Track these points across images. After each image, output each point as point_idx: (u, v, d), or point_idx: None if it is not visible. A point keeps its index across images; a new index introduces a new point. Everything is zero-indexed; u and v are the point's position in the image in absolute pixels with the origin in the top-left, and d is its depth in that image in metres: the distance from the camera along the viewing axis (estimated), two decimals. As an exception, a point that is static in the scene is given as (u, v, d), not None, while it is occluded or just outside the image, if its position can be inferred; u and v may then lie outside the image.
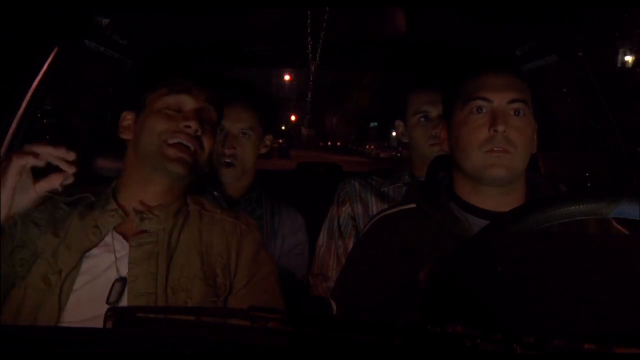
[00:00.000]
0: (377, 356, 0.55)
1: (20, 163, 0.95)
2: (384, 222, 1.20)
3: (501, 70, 1.11)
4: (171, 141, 1.09)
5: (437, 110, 1.62)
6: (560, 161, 1.92)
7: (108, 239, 1.07)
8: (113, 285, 1.03)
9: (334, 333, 0.58)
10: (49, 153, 0.97)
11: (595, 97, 1.63)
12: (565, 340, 0.50)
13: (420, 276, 0.74)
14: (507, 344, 0.51)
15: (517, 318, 0.57)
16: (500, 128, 1.05)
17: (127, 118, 1.17)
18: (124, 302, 1.02)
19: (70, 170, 0.99)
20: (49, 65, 1.47)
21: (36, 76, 1.46)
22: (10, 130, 1.41)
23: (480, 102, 1.08)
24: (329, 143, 45.87)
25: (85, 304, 1.01)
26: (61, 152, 0.97)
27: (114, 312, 0.67)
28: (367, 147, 34.27)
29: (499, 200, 1.10)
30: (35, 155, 0.96)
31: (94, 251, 1.05)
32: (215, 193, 1.60)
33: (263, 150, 1.66)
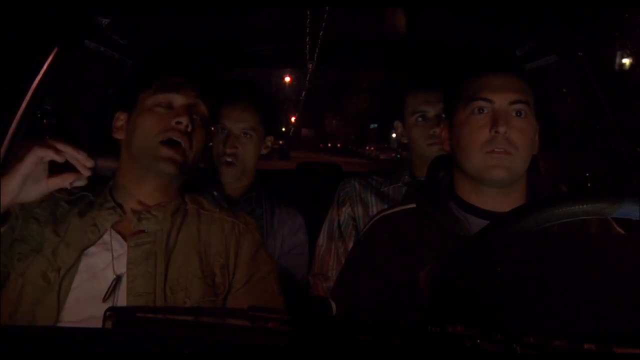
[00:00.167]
0: (377, 356, 0.55)
1: (40, 154, 0.95)
2: (384, 222, 1.20)
3: (503, 71, 1.10)
4: (162, 138, 1.09)
5: (434, 110, 1.62)
6: (560, 161, 1.92)
7: (106, 237, 1.07)
8: (111, 284, 1.03)
9: (334, 333, 0.58)
10: (71, 154, 0.97)
11: (595, 97, 1.63)
12: (565, 340, 0.50)
13: (420, 276, 0.74)
14: (507, 344, 0.51)
15: (517, 318, 0.57)
16: (502, 129, 1.05)
17: (120, 118, 1.17)
18: (121, 302, 1.02)
19: (86, 174, 0.99)
20: (49, 65, 1.47)
21: (36, 76, 1.45)
22: (10, 130, 1.41)
23: (481, 103, 1.08)
24: (329, 144, 45.89)
25: (84, 302, 1.01)
26: (82, 156, 0.98)
27: (113, 312, 0.67)
28: (367, 148, 34.30)
29: (500, 200, 1.10)
30: (57, 151, 0.96)
31: (92, 249, 1.06)
32: (215, 193, 1.60)
33: (264, 151, 1.66)
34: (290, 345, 0.59)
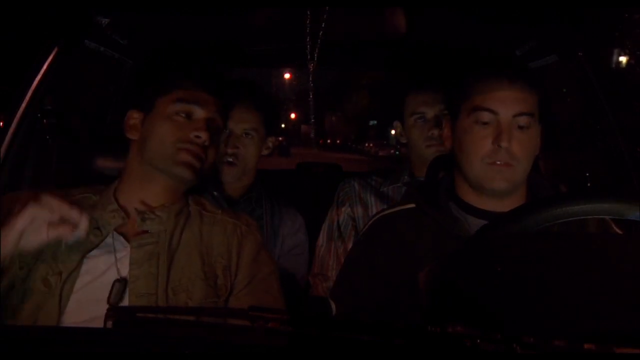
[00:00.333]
0: (377, 356, 0.55)
1: (33, 213, 0.91)
2: (383, 222, 1.20)
3: (510, 80, 1.07)
4: (181, 146, 1.10)
5: (433, 111, 1.62)
6: (560, 161, 1.92)
7: (109, 239, 1.07)
8: (113, 285, 1.02)
9: (334, 333, 0.58)
10: (65, 212, 0.93)
11: (595, 97, 1.63)
12: (565, 340, 0.50)
13: (420, 276, 0.74)
14: (507, 344, 0.51)
15: (517, 318, 0.57)
16: (504, 144, 1.04)
17: (134, 117, 1.17)
18: (125, 303, 1.02)
19: (82, 233, 0.96)
20: (49, 65, 1.47)
21: (36, 76, 1.45)
22: (10, 130, 1.41)
23: (486, 115, 1.07)
24: (329, 141, 45.96)
25: (86, 305, 1.01)
26: (76, 214, 0.94)
27: (114, 312, 0.68)
28: (367, 145, 34.38)
29: (499, 201, 1.10)
30: (51, 209, 0.92)
31: (95, 252, 1.05)
32: (215, 193, 1.60)
33: (265, 152, 1.66)
34: (290, 345, 0.60)
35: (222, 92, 1.20)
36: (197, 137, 1.11)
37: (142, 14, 1.68)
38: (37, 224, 0.92)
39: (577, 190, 1.59)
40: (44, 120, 1.52)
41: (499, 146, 1.05)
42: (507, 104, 1.06)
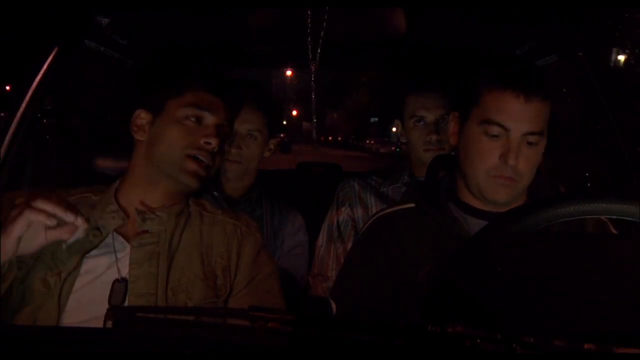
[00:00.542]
0: (377, 356, 0.55)
1: (30, 217, 0.91)
2: (383, 221, 1.20)
3: (528, 95, 1.02)
4: (189, 153, 1.10)
5: (433, 116, 1.62)
6: (560, 161, 1.92)
7: (108, 239, 1.07)
8: (114, 286, 1.02)
9: (334, 333, 0.58)
10: (61, 215, 0.92)
11: (595, 97, 1.63)
12: (565, 340, 0.50)
13: (420, 276, 0.74)
14: (507, 344, 0.51)
15: (517, 318, 0.57)
16: (511, 162, 1.03)
17: (142, 117, 1.15)
18: (125, 303, 1.02)
19: (80, 233, 0.96)
20: (49, 65, 1.47)
21: (36, 76, 1.45)
22: (10, 130, 1.41)
23: (496, 129, 1.04)
24: (330, 138, 46.00)
25: (85, 306, 1.01)
26: (71, 216, 0.93)
27: (114, 311, 0.67)
28: (368, 142, 34.44)
29: (499, 205, 1.10)
30: (47, 214, 0.91)
31: (94, 252, 1.05)
32: (216, 193, 1.60)
33: (267, 154, 1.66)
34: (290, 345, 0.60)
35: (231, 97, 1.20)
36: (208, 143, 1.10)
37: (142, 14, 1.68)
38: (35, 228, 0.92)
39: (577, 190, 1.59)
40: (44, 120, 1.52)
41: (505, 163, 1.03)
42: (519, 122, 1.03)
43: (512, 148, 1.03)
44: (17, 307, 0.99)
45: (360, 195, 1.75)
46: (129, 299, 1.02)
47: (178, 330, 0.64)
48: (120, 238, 1.08)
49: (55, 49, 1.48)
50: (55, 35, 1.48)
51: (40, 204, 0.91)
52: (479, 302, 0.61)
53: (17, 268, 1.01)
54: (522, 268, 0.64)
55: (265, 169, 2.03)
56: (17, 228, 0.90)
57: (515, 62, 1.14)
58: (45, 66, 1.46)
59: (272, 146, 1.67)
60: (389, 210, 1.21)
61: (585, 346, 0.50)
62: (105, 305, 0.97)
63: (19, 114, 1.42)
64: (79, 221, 0.93)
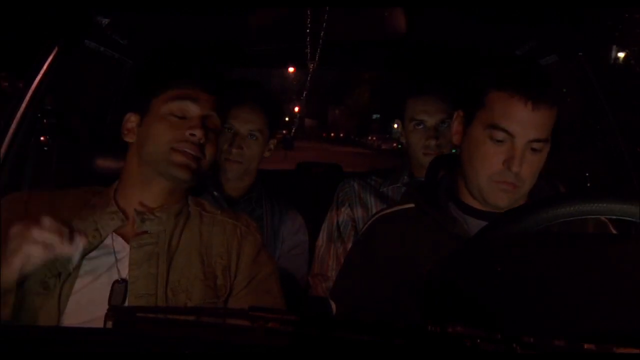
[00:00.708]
0: (377, 356, 0.55)
1: (28, 252, 0.91)
2: (383, 221, 1.19)
3: (536, 103, 1.01)
4: (175, 147, 1.09)
5: (433, 120, 1.63)
6: (560, 161, 1.92)
7: (108, 240, 1.07)
8: (113, 287, 1.02)
9: (334, 333, 0.58)
10: (58, 245, 0.93)
11: (595, 97, 1.63)
12: (565, 340, 0.50)
13: (420, 276, 0.74)
14: (507, 344, 0.51)
15: (517, 318, 0.57)
16: (515, 169, 1.02)
17: (131, 120, 1.16)
18: (125, 304, 1.02)
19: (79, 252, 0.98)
20: (49, 65, 1.47)
21: (36, 76, 1.45)
22: (10, 130, 1.41)
23: (502, 134, 1.03)
24: (332, 134, 46.00)
25: (85, 307, 1.01)
26: (67, 246, 0.94)
27: (114, 312, 0.67)
28: (369, 138, 34.44)
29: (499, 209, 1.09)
30: (45, 246, 0.92)
31: (94, 253, 1.05)
32: (215, 193, 1.60)
33: (267, 154, 1.67)
34: (290, 345, 0.60)
35: (218, 89, 1.18)
36: (192, 135, 1.09)
37: (142, 14, 1.68)
38: (35, 257, 0.92)
39: (577, 190, 1.59)
40: (44, 120, 1.52)
41: (508, 169, 1.03)
42: (526, 129, 1.02)
43: (516, 155, 1.02)
44: (16, 309, 0.99)
45: (360, 195, 1.75)
46: (129, 300, 1.02)
47: (178, 330, 0.64)
48: (120, 239, 1.07)
49: (55, 49, 1.48)
50: (55, 35, 1.48)
51: (39, 236, 0.91)
52: (479, 302, 0.61)
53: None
54: (522, 268, 0.64)
55: (265, 168, 2.03)
56: (17, 261, 0.91)
57: (523, 65, 1.11)
58: (45, 66, 1.46)
59: (272, 146, 1.67)
60: (389, 210, 1.21)
61: (585, 346, 0.50)
62: (105, 306, 0.97)
63: (19, 114, 1.42)
64: (79, 245, 0.95)
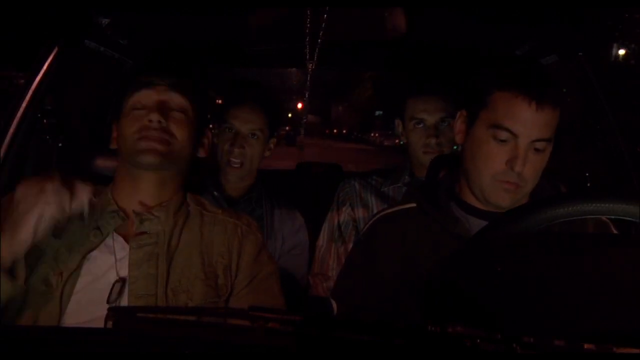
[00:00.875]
0: (377, 356, 0.55)
1: (41, 213, 0.94)
2: (384, 221, 1.20)
3: (540, 103, 1.01)
4: (138, 136, 1.09)
5: (433, 119, 1.63)
6: (560, 161, 1.92)
7: (109, 240, 1.07)
8: (113, 286, 1.03)
9: (334, 333, 0.58)
10: (70, 204, 0.98)
11: (595, 97, 1.63)
12: (565, 340, 0.50)
13: (421, 276, 0.74)
14: (507, 344, 0.51)
15: (517, 318, 0.57)
16: (518, 169, 1.02)
17: (114, 129, 1.18)
18: (123, 303, 1.02)
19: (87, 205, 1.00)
20: (49, 65, 1.47)
21: (36, 76, 1.46)
22: (10, 130, 1.41)
23: (505, 134, 1.03)
24: (335, 131, 46.01)
25: (86, 306, 1.01)
26: (79, 200, 0.99)
27: (114, 312, 0.67)
28: (372, 135, 34.45)
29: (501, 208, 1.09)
30: (59, 206, 0.96)
31: (95, 253, 1.05)
32: (216, 193, 1.61)
33: (267, 153, 1.67)
34: (290, 345, 0.60)
35: (178, 69, 1.17)
36: (150, 120, 1.09)
37: (142, 14, 1.68)
38: (47, 215, 0.95)
39: (577, 190, 1.59)
40: (44, 120, 1.52)
41: (511, 169, 1.03)
42: (529, 129, 1.02)
43: (519, 154, 1.02)
44: (18, 307, 0.99)
45: (361, 195, 1.75)
46: (129, 300, 1.02)
47: (178, 330, 0.64)
48: (120, 239, 1.08)
49: (55, 49, 1.48)
50: (55, 35, 1.48)
51: (50, 193, 0.95)
52: (479, 302, 0.61)
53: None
54: (523, 268, 0.64)
55: (265, 168, 2.03)
56: (31, 220, 0.93)
57: (526, 65, 1.12)
58: (45, 66, 1.46)
59: (271, 145, 1.68)
60: (390, 210, 1.21)
61: (585, 346, 0.50)
62: (105, 307, 0.98)
63: (19, 114, 1.42)
64: (85, 200, 0.99)
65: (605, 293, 0.58)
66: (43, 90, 1.47)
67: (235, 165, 1.59)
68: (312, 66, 1.96)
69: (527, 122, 1.02)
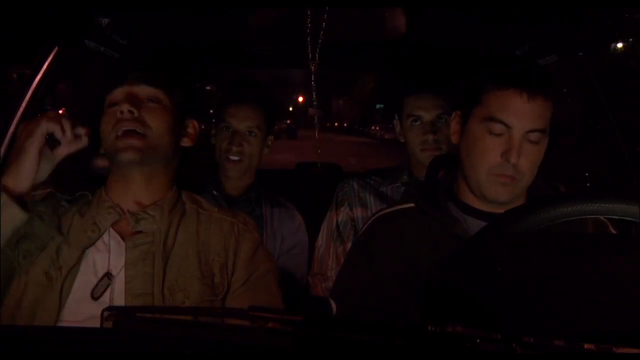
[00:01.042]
0: (377, 356, 0.55)
1: (47, 127, 1.01)
2: (382, 221, 1.20)
3: (532, 93, 1.02)
4: (116, 135, 1.08)
5: (430, 116, 1.63)
6: (560, 161, 1.92)
7: (106, 237, 1.07)
8: (100, 280, 1.03)
9: (334, 333, 0.58)
10: (68, 127, 1.03)
11: (595, 97, 1.63)
12: (565, 340, 0.50)
13: (420, 276, 0.74)
14: (507, 344, 0.51)
15: (517, 318, 0.57)
16: (513, 161, 1.03)
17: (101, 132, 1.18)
18: (116, 301, 1.02)
19: (83, 143, 1.06)
20: (49, 65, 1.47)
21: (36, 76, 1.46)
22: (10, 130, 1.41)
23: (499, 127, 1.04)
24: (336, 124, 46.13)
25: (84, 302, 1.01)
26: (74, 130, 1.04)
27: (112, 311, 0.67)
28: (373, 128, 34.50)
29: (499, 205, 1.09)
30: (61, 126, 1.02)
31: (93, 249, 1.06)
32: (215, 192, 1.61)
33: (266, 151, 1.68)
34: (290, 345, 0.59)
35: (146, 60, 1.19)
36: (121, 112, 1.08)
37: (142, 14, 1.68)
38: (46, 151, 1.02)
39: (576, 190, 1.59)
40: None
41: (507, 160, 1.04)
42: (523, 120, 1.03)
43: (514, 146, 1.03)
44: (18, 299, 1.00)
45: (360, 195, 1.75)
46: (126, 299, 1.02)
47: (177, 330, 0.64)
48: (117, 236, 1.08)
49: (55, 49, 1.48)
50: (55, 35, 1.48)
51: (53, 117, 1.02)
52: (478, 302, 0.61)
53: (22, 257, 1.03)
54: (522, 268, 0.64)
55: (265, 168, 2.03)
56: (37, 139, 0.99)
57: (518, 61, 1.14)
58: (45, 66, 1.46)
59: (269, 142, 1.69)
60: (389, 210, 1.21)
61: (585, 346, 0.50)
62: (101, 305, 0.98)
63: (19, 114, 1.42)
64: (82, 130, 1.05)
65: (605, 293, 0.58)
66: (43, 90, 1.47)
67: (235, 159, 1.60)
68: (313, 67, 1.96)
69: (519, 113, 1.03)
